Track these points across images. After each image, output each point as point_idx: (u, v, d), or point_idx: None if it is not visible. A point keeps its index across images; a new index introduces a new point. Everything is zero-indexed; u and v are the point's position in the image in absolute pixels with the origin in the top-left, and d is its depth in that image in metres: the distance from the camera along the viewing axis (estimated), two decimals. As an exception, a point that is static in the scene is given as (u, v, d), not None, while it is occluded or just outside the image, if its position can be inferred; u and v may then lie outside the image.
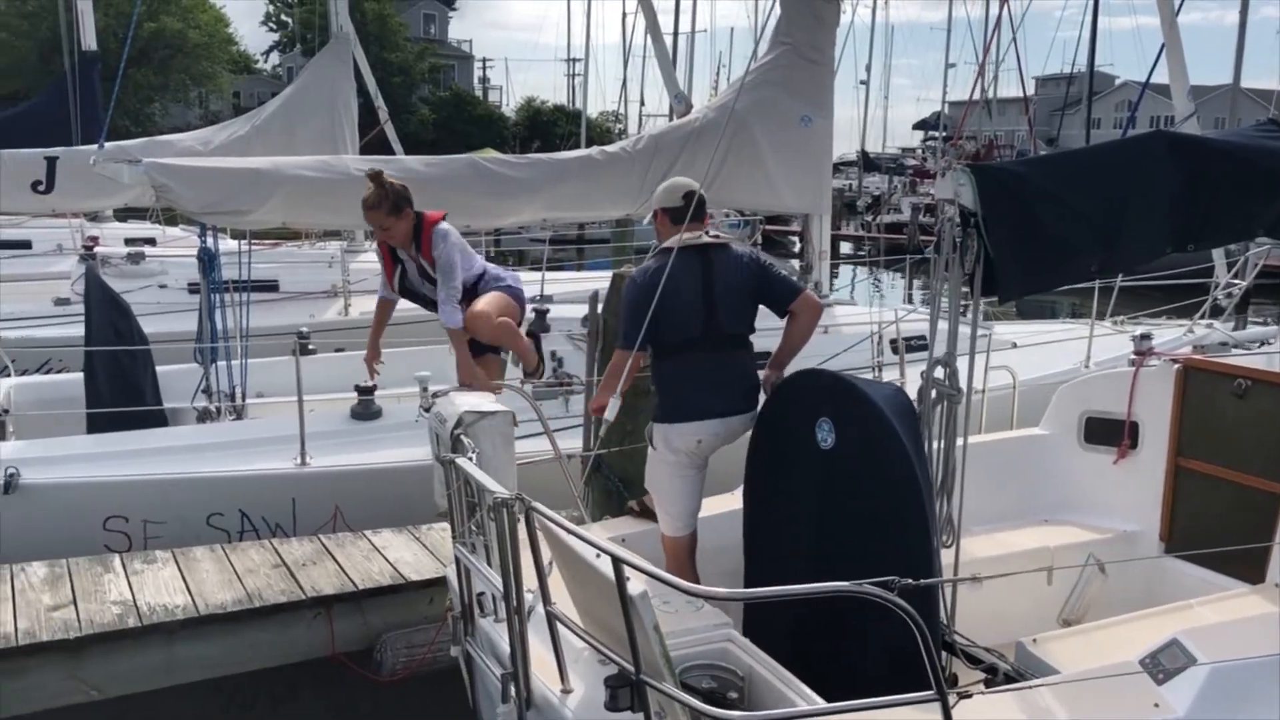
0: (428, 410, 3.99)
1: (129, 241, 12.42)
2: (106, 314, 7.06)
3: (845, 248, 30.95)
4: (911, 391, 3.84)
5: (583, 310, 6.47)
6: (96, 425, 6.54)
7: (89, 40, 13.36)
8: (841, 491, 3.69)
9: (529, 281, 10.58)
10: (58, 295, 9.95)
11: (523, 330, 6.02)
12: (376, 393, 6.51)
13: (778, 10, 7.96)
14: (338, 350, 8.11)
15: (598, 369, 5.33)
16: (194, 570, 5.05)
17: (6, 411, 6.74)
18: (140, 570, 5.04)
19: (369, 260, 10.33)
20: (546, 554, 3.02)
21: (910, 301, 16.16)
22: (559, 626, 2.99)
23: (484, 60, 71.61)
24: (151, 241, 12.80)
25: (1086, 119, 33.30)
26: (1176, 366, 4.59)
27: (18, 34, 40.51)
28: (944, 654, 3.60)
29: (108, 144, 8.98)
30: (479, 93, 63.17)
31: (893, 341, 7.28)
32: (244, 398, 6.90)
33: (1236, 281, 8.88)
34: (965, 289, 3.52)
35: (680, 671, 2.91)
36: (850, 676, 3.23)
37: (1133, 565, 4.33)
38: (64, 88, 12.99)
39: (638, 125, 40.09)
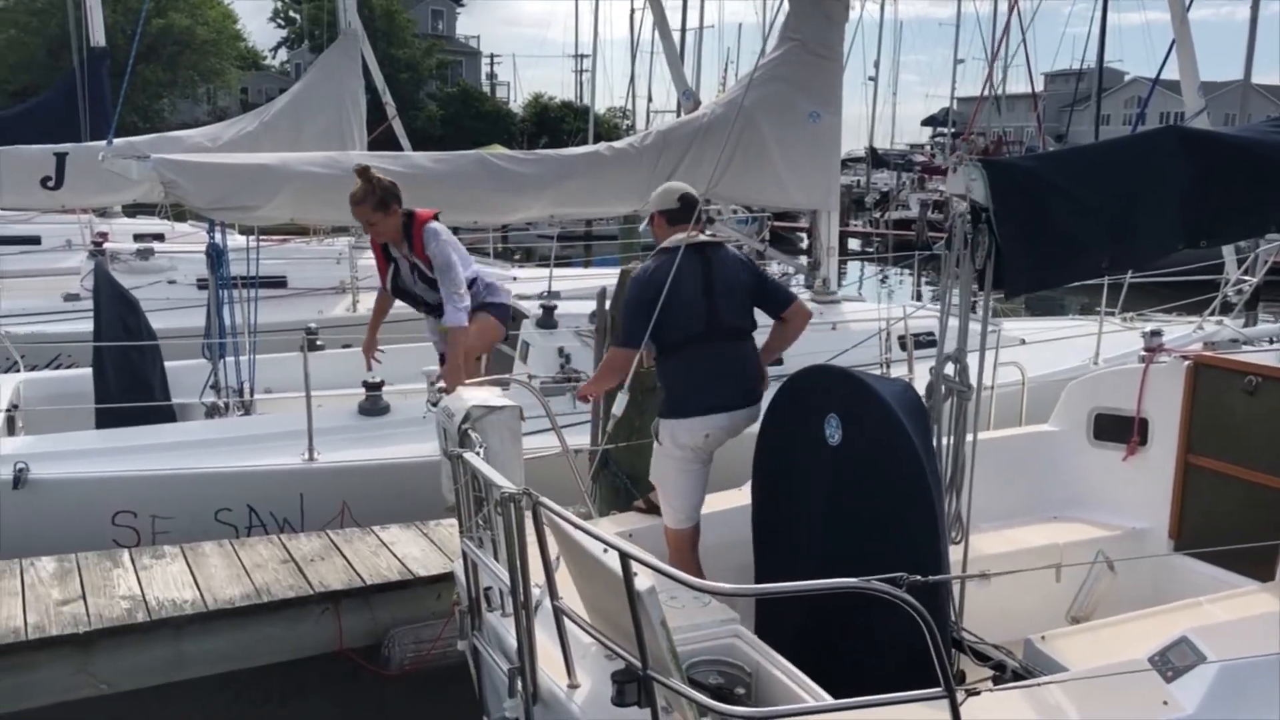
0: (435, 405, 3.98)
1: (138, 237, 12.45)
2: (115, 310, 7.08)
3: (853, 244, 30.89)
4: (920, 387, 3.83)
5: (590, 306, 6.46)
6: (105, 421, 6.56)
7: (97, 36, 13.39)
8: (849, 488, 3.68)
9: (537, 278, 10.64)
10: (67, 291, 9.99)
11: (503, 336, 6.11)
12: (384, 388, 6.52)
13: (786, 6, 7.94)
14: (345, 346, 8.13)
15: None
16: (202, 565, 5.06)
17: (16, 407, 6.77)
18: (149, 565, 5.05)
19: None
20: (554, 549, 3.02)
21: (918, 298, 16.13)
22: (566, 621, 2.99)
23: (492, 56, 71.59)
24: (160, 237, 12.82)
25: (1096, 115, 33.17)
26: (1187, 363, 4.57)
27: (26, 30, 40.65)
28: (952, 651, 3.59)
29: (116, 140, 9.01)
30: (487, 89, 63.22)
31: (901, 338, 7.26)
32: (252, 393, 6.92)
33: (1247, 278, 8.83)
34: (975, 285, 3.51)
35: (687, 667, 2.91)
36: (860, 673, 3.22)
37: (1142, 562, 4.31)
38: (72, 84, 13.02)
39: (645, 121, 40.10)
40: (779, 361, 6.87)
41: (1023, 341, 8.00)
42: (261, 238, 7.44)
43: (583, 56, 52.07)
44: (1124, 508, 4.77)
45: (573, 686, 3.10)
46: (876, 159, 45.82)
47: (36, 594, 4.70)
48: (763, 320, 4.47)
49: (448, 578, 4.89)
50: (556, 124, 51.50)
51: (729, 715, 2.55)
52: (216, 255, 6.76)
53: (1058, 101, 51.22)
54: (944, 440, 3.71)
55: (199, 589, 4.81)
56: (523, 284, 9.77)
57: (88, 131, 12.35)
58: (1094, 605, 4.12)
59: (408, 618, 4.98)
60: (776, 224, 22.37)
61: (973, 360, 3.64)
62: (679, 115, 9.23)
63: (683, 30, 34.10)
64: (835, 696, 2.88)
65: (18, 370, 7.52)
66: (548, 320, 6.97)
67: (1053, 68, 48.22)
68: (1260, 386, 4.25)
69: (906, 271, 21.58)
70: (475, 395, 3.77)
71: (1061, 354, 7.89)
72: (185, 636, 4.61)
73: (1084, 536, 4.64)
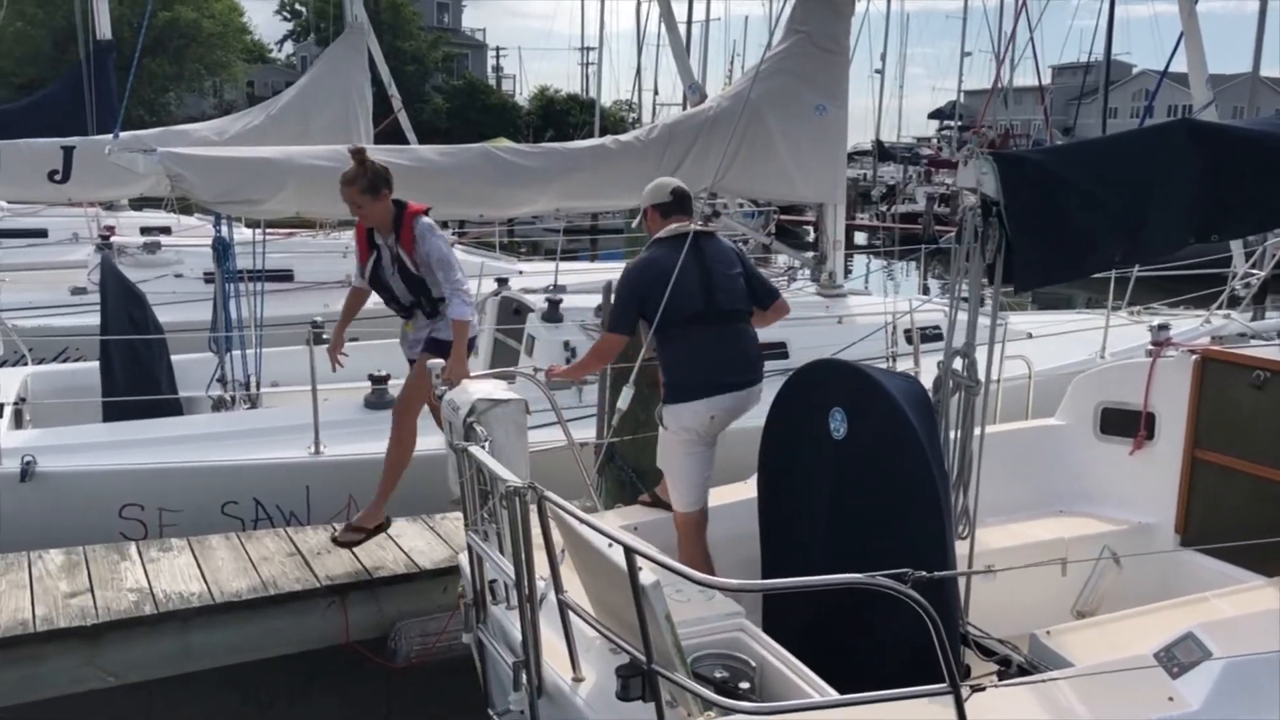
0: (440, 398, 3.98)
1: (144, 230, 12.47)
2: (122, 303, 7.09)
3: (860, 237, 30.83)
4: (926, 381, 3.82)
5: (596, 300, 6.47)
6: (112, 414, 6.57)
7: (104, 29, 13.38)
8: (854, 482, 3.68)
9: (543, 272, 10.62)
10: (74, 285, 10.01)
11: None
12: (390, 382, 6.53)
13: (792, -1, 7.92)
14: (351, 340, 8.12)
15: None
16: (209, 558, 5.08)
17: (24, 400, 6.79)
18: (156, 558, 5.07)
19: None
20: (559, 542, 3.02)
21: (925, 291, 16.10)
22: (571, 615, 3.00)
23: (497, 49, 71.54)
24: (167, 230, 12.84)
25: (1103, 108, 33.00)
26: (1194, 357, 4.55)
27: (33, 23, 40.62)
28: (958, 646, 3.59)
29: (123, 134, 9.02)
30: (492, 82, 63.11)
31: (907, 331, 7.25)
32: (258, 387, 6.93)
33: (1254, 271, 8.80)
34: (985, 278, 3.49)
35: (692, 661, 2.91)
36: (866, 668, 3.23)
37: (1148, 557, 4.30)
38: (78, 77, 13.00)
39: (651, 114, 40.01)
40: (785, 355, 6.91)
41: (1029, 335, 7.99)
42: (268, 231, 7.43)
43: (589, 49, 52.11)
44: (1130, 502, 4.77)
45: (577, 680, 3.10)
46: (883, 152, 45.64)
47: (44, 586, 4.72)
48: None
49: (454, 570, 4.90)
50: (562, 117, 51.41)
51: (733, 710, 2.55)
52: (223, 249, 6.77)
53: (1065, 94, 51.00)
54: (952, 434, 3.71)
55: (206, 582, 4.82)
56: (528, 278, 9.76)
57: (94, 125, 12.34)
58: (1100, 600, 4.12)
59: (414, 610, 5.00)
60: (782, 217, 22.36)
61: (980, 354, 3.63)
62: (685, 108, 9.21)
63: (689, 23, 34.02)
64: (841, 691, 2.87)
65: (25, 364, 7.54)
66: (553, 314, 6.97)
67: (1060, 60, 48.11)
68: (1268, 381, 4.24)
69: (913, 265, 21.52)
70: (480, 388, 3.77)
71: (1068, 348, 7.88)
72: (192, 629, 4.63)
73: (1090, 531, 4.63)
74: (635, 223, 4.87)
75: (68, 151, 10.53)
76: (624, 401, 4.71)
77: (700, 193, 7.10)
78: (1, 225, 13.02)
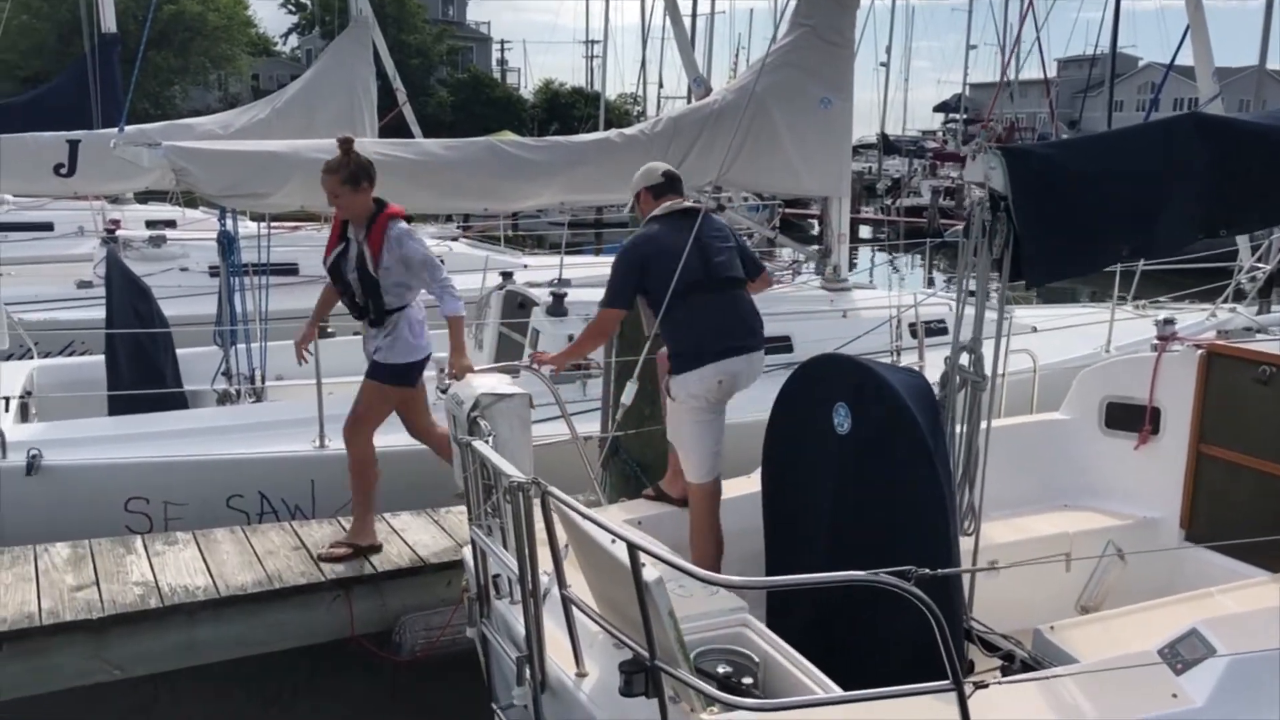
0: (444, 392, 3.99)
1: (150, 224, 12.49)
2: (127, 297, 7.10)
3: (864, 231, 30.80)
4: (931, 376, 3.81)
5: (601, 294, 6.45)
6: (118, 408, 6.59)
7: (109, 22, 13.39)
8: (858, 478, 3.67)
9: (548, 266, 10.62)
10: (80, 278, 10.02)
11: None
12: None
13: (798, -9, 7.90)
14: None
15: (615, 352, 5.32)
16: (214, 552, 5.09)
17: (29, 394, 6.81)
18: (162, 551, 5.08)
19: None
20: (562, 537, 3.02)
21: (930, 285, 16.07)
22: (574, 610, 3.00)
23: (502, 42, 71.59)
24: (172, 224, 12.86)
25: (1109, 101, 32.85)
26: (1200, 352, 4.54)
27: (38, 16, 40.67)
28: (962, 641, 3.59)
29: (128, 127, 9.01)
30: (497, 75, 63.12)
31: (911, 325, 7.24)
32: (263, 380, 6.93)
33: (1261, 265, 8.78)
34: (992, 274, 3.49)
35: (695, 655, 2.91)
36: (869, 664, 3.23)
37: (1153, 552, 4.30)
38: (83, 70, 13.02)
39: (656, 108, 39.89)
40: (789, 349, 6.90)
41: (1034, 329, 7.97)
42: (272, 225, 7.43)
43: (593, 42, 52.12)
44: (1135, 497, 4.76)
45: (581, 675, 3.10)
46: (888, 145, 45.58)
47: (50, 580, 4.74)
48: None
49: (458, 564, 4.90)
50: (567, 110, 51.33)
51: (736, 706, 2.56)
52: (228, 242, 6.77)
53: (1071, 87, 50.89)
54: (958, 429, 3.70)
55: (211, 575, 4.84)
56: (533, 271, 9.77)
57: (99, 118, 12.36)
58: (1104, 595, 4.12)
59: (418, 604, 5.00)
60: (788, 211, 22.32)
61: (986, 349, 3.62)
62: (690, 102, 9.19)
63: (694, 16, 33.91)
64: (844, 687, 2.88)
65: (31, 357, 7.55)
66: (558, 308, 6.97)
67: (1065, 53, 47.88)
68: (1273, 376, 4.23)
69: (918, 258, 21.48)
70: (485, 383, 3.77)
71: (1073, 342, 7.86)
72: (198, 622, 4.64)
73: (1095, 525, 4.62)
74: (628, 208, 4.88)
75: (73, 145, 10.55)
76: (628, 397, 4.72)
77: (705, 186, 7.09)
78: (7, 219, 13.06)
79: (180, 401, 6.84)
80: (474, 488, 3.57)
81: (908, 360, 6.68)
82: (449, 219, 15.00)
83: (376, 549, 5.18)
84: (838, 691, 2.87)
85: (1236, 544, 4.05)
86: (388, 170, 6.88)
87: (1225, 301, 8.74)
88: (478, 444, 3.33)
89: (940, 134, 58.39)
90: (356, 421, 5.21)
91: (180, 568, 4.91)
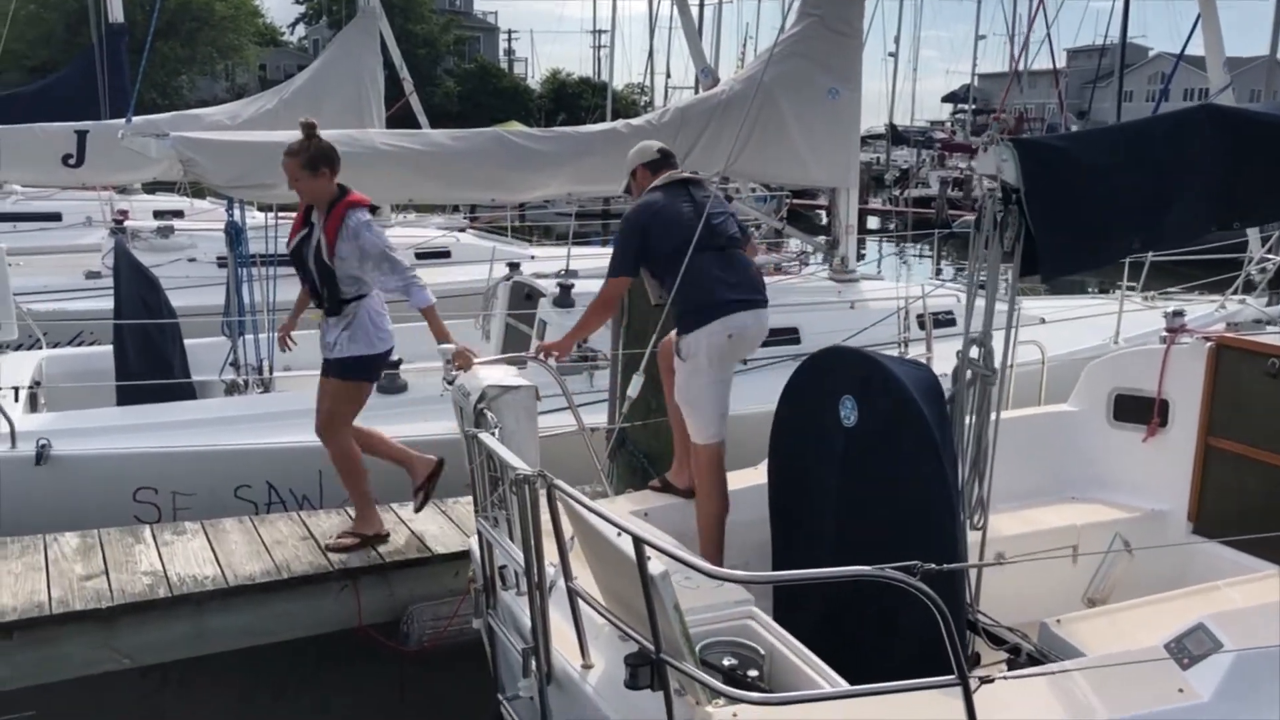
0: (450, 384, 3.99)
1: (158, 214, 12.50)
2: (135, 288, 7.11)
3: (872, 222, 30.70)
4: (938, 368, 3.80)
5: (607, 285, 6.44)
6: (126, 398, 6.60)
7: (116, 13, 13.40)
8: (864, 471, 3.67)
9: (555, 256, 10.61)
10: (89, 269, 10.04)
11: None
12: (402, 366, 6.54)
13: (806, -19, 7.86)
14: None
15: (622, 343, 5.32)
16: (223, 542, 5.11)
17: (38, 384, 6.82)
18: (170, 541, 5.10)
19: (396, 234, 10.35)
20: (568, 529, 3.02)
21: (938, 276, 16.03)
22: (580, 602, 3.00)
23: (509, 32, 71.41)
24: (180, 214, 12.87)
25: (1118, 92, 32.67)
26: (1209, 344, 4.52)
27: (45, 6, 40.72)
28: (967, 634, 3.59)
29: (136, 118, 9.03)
30: (504, 65, 63.02)
31: (919, 317, 7.22)
32: (271, 371, 6.94)
33: (1270, 256, 8.73)
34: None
35: (701, 648, 2.91)
36: (875, 657, 3.23)
37: (1160, 545, 4.29)
38: (91, 60, 13.03)
39: (663, 98, 39.85)
40: (797, 340, 6.89)
41: (1042, 320, 7.95)
42: (280, 215, 7.44)
43: (601, 32, 52.06)
44: (1143, 489, 4.75)
45: (586, 667, 3.11)
46: (896, 136, 45.36)
47: (60, 569, 4.76)
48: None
49: (465, 555, 4.90)
50: (574, 100, 51.31)
51: (741, 700, 2.56)
52: (235, 233, 6.78)
53: (1080, 78, 50.56)
54: (967, 420, 3.69)
55: (220, 565, 4.85)
56: (540, 262, 9.75)
57: (107, 108, 12.38)
58: (1111, 588, 4.11)
59: (426, 594, 5.01)
60: (795, 202, 22.28)
61: (996, 343, 3.60)
62: (697, 92, 9.17)
63: (701, 6, 33.92)
64: (850, 680, 2.88)
65: (40, 347, 7.58)
66: (565, 298, 6.97)
67: (1075, 43, 47.66)
68: (1283, 369, 4.21)
69: (926, 250, 21.43)
70: (491, 374, 3.77)
71: (1081, 333, 7.83)
72: (206, 612, 4.66)
73: (1102, 518, 4.62)
74: (623, 187, 4.91)
75: (81, 135, 10.57)
76: (634, 390, 4.72)
77: (713, 176, 7.08)
78: (16, 209, 13.08)
79: (188, 392, 6.86)
80: (480, 479, 3.57)
81: (915, 352, 6.67)
82: (456, 209, 14.99)
83: (384, 538, 5.18)
84: (843, 685, 2.87)
85: (1245, 538, 4.04)
86: (395, 161, 6.90)
87: (1235, 293, 8.69)
88: (484, 436, 3.33)
89: (949, 124, 58.15)
90: (326, 428, 5.10)
91: (189, 557, 4.93)
